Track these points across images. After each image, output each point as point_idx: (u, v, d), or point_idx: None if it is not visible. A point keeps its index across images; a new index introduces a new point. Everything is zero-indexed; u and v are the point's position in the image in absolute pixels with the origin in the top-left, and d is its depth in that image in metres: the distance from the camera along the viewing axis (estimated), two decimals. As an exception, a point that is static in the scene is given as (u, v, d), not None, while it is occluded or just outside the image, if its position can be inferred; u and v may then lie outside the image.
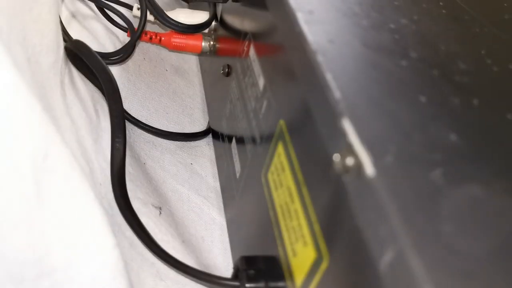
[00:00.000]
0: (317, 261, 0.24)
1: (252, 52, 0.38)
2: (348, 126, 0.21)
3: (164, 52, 0.59)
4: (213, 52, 0.54)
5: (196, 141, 0.52)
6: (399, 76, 0.26)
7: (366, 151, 0.20)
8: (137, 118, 0.48)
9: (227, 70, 0.46)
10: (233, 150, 0.42)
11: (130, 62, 0.53)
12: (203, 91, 0.59)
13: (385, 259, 0.17)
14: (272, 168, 0.31)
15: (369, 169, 0.19)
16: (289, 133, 0.29)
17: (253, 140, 0.36)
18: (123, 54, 0.47)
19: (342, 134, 0.21)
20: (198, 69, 0.62)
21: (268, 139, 0.33)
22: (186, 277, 0.36)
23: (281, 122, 0.30)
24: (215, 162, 0.51)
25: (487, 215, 0.19)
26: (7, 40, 0.30)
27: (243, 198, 0.38)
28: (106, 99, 0.41)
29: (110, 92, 0.39)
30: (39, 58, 0.36)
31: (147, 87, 0.53)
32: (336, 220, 0.23)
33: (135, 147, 0.47)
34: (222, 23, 0.51)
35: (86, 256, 0.29)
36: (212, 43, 0.54)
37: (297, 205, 0.27)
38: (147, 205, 0.39)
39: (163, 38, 0.54)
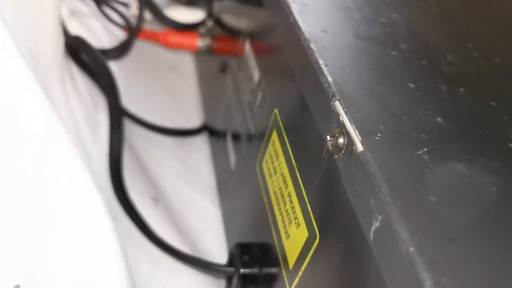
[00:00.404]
0: (309, 240, 0.25)
1: (247, 47, 0.39)
2: (339, 108, 0.22)
3: (160, 51, 0.60)
4: (209, 50, 0.55)
5: (192, 138, 0.53)
6: (389, 64, 0.27)
7: (357, 131, 0.21)
8: (134, 114, 0.49)
9: (223, 66, 0.47)
10: (228, 144, 0.43)
11: (127, 60, 0.54)
12: (197, 90, 0.60)
13: (373, 228, 0.18)
14: (267, 156, 0.32)
15: (360, 146, 0.20)
16: (283, 120, 0.30)
17: (248, 133, 0.37)
18: (121, 51, 0.48)
19: (334, 115, 0.22)
20: (193, 68, 0.63)
21: (262, 129, 0.34)
22: (183, 264, 0.37)
23: (275, 111, 0.31)
24: (210, 158, 0.51)
25: (470, 189, 0.20)
26: (11, 31, 0.31)
27: (238, 189, 0.39)
28: (104, 92, 0.42)
29: (108, 86, 0.40)
30: (41, 51, 0.37)
31: (143, 85, 0.54)
32: (327, 198, 0.24)
33: (132, 141, 0.48)
34: (218, 21, 0.53)
35: (85, 237, 0.30)
36: (208, 41, 0.55)
37: (291, 189, 0.28)
38: (144, 196, 0.40)
39: (160, 37, 0.55)
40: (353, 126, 0.21)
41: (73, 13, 0.52)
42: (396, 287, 0.17)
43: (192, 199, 0.46)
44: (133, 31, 0.50)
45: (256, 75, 0.36)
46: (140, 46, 0.58)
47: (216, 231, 0.44)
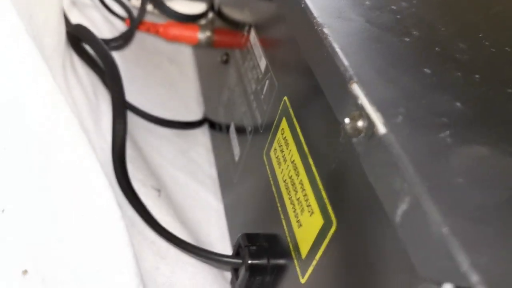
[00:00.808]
0: (324, 227, 0.25)
1: (253, 37, 0.39)
2: (358, 90, 0.22)
3: (160, 43, 0.60)
4: (210, 43, 0.55)
5: (192, 130, 0.52)
6: (403, 50, 0.27)
7: (377, 112, 0.20)
8: (134, 105, 0.49)
9: (225, 58, 0.47)
10: (231, 135, 0.43)
11: (127, 52, 0.53)
12: (197, 83, 0.59)
13: (400, 210, 0.18)
14: (275, 145, 0.32)
15: (382, 128, 0.20)
16: (293, 108, 0.30)
17: (254, 123, 0.37)
18: (123, 41, 0.48)
19: (352, 99, 0.22)
20: (193, 61, 0.62)
21: (270, 118, 0.33)
22: (187, 255, 0.36)
23: (285, 99, 0.31)
24: (210, 150, 0.51)
25: (495, 172, 0.19)
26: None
27: (242, 180, 0.39)
28: (108, 81, 0.41)
29: (112, 76, 0.39)
30: (43, 39, 0.36)
31: (144, 76, 0.53)
32: (343, 183, 0.23)
33: (133, 133, 0.47)
34: (220, 13, 0.52)
35: (93, 225, 0.29)
36: (209, 34, 0.54)
37: (303, 176, 0.28)
38: (147, 186, 0.40)
39: (160, 29, 0.55)
40: (373, 108, 0.21)
41: (74, 3, 0.51)
42: (426, 270, 0.16)
43: (193, 191, 0.45)
44: (135, 22, 0.50)
45: (262, 64, 0.36)
46: (139, 37, 0.57)
47: (218, 223, 0.43)
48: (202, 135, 0.53)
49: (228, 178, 0.43)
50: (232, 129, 0.42)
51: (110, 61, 0.40)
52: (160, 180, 0.43)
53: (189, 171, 0.47)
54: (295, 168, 0.29)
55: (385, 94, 0.22)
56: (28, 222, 0.26)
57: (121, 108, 0.38)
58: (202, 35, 0.55)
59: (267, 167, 0.33)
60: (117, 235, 0.29)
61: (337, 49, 0.24)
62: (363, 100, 0.21)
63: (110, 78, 0.40)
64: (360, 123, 0.21)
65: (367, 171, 0.20)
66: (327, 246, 0.24)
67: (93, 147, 0.37)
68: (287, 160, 0.30)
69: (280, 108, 0.32)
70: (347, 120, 0.22)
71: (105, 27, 0.52)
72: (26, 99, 0.27)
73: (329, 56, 0.24)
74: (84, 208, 0.29)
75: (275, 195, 0.31)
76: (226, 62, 0.47)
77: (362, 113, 0.21)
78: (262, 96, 0.35)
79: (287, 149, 0.30)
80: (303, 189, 0.28)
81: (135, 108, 0.48)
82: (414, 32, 0.29)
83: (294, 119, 0.29)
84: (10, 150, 0.27)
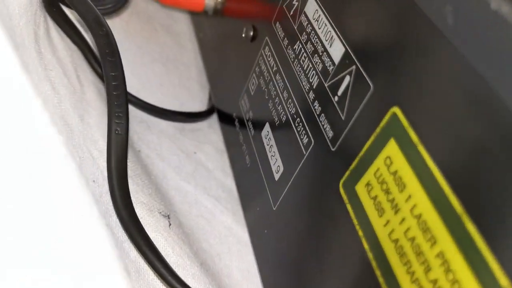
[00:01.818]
0: None
1: (312, 4, 0.27)
2: None
3: (152, 7, 0.48)
4: (220, 10, 0.43)
5: (198, 123, 0.41)
6: None
7: None
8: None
9: (251, 33, 0.35)
10: (265, 140, 0.32)
11: (116, 17, 0.41)
12: (198, 59, 0.47)
13: None
14: (370, 178, 0.21)
15: None
16: (415, 127, 0.19)
17: (316, 133, 0.26)
18: (115, 4, 0.35)
19: None
20: (191, 32, 0.50)
21: (354, 133, 0.23)
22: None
23: (395, 110, 0.20)
24: (221, 150, 0.40)
25: None
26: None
27: (289, 211, 0.28)
28: (102, 62, 0.29)
29: (107, 53, 0.27)
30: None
31: (137, 50, 0.41)
32: None
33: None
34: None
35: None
36: (220, -1, 0.43)
37: (445, 247, 0.17)
38: (154, 213, 0.28)
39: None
40: None
41: None
42: None
43: (206, 211, 0.34)
44: None
45: (336, 48, 0.25)
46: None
47: (239, 258, 0.32)
48: (209, 129, 0.41)
49: (259, 199, 0.32)
50: (266, 132, 0.31)
51: (105, 32, 0.28)
52: (165, 197, 0.32)
53: (198, 182, 0.35)
54: (424, 229, 0.18)
55: None
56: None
57: (120, 102, 0.27)
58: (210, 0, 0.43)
59: (349, 207, 0.22)
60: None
61: None
62: None
63: (104, 57, 0.28)
64: None
65: None
66: None
67: (81, 156, 0.26)
68: (402, 210, 0.19)
69: (383, 123, 0.21)
70: None
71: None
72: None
73: None
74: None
75: (372, 256, 0.21)
76: (253, 39, 0.35)
77: None
78: (336, 98, 0.24)
79: (400, 191, 0.19)
80: (445, 266, 0.17)
81: (129, 94, 0.36)
82: None
83: (419, 146, 0.18)
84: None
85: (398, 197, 0.19)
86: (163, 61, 0.43)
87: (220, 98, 0.41)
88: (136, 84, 0.39)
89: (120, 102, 0.27)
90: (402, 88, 0.20)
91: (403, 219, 0.19)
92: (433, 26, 0.18)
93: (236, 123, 0.37)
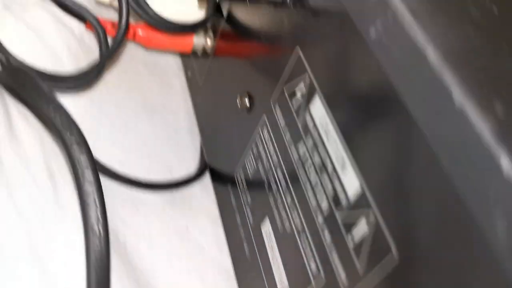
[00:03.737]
0: None
1: (318, 106, 0.23)
2: None
3: (137, 51, 0.43)
4: (211, 52, 0.38)
5: (190, 188, 0.37)
6: None
7: None
8: (107, 162, 0.32)
9: (247, 103, 0.31)
10: (266, 239, 0.28)
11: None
12: (187, 101, 0.43)
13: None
14: None
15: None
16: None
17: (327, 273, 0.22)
18: (88, 77, 0.31)
19: None
20: (179, 67, 0.46)
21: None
22: None
23: None
24: (215, 219, 0.36)
25: None
26: None
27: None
28: (68, 157, 0.25)
29: (75, 141, 0.23)
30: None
31: (116, 108, 0.37)
32: None
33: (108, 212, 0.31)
34: (231, 19, 0.35)
35: None
36: (210, 42, 0.38)
37: None
38: None
39: (139, 32, 0.38)
40: None
41: (6, 6, 0.33)
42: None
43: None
44: (120, 30, 0.33)
45: (352, 187, 0.20)
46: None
47: None
48: (202, 192, 0.37)
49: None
50: (269, 233, 0.27)
51: (68, 122, 0.23)
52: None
53: (193, 267, 0.32)
54: None
55: None
56: None
57: (95, 200, 0.23)
58: (198, 41, 0.39)
59: None
60: None
61: None
62: None
63: (71, 148, 0.23)
64: None
65: None
66: None
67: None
68: None
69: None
70: None
71: (57, 36, 0.35)
72: None
73: None
74: None
75: None
76: (249, 108, 0.31)
77: None
78: (353, 245, 0.20)
79: None
80: None
81: (109, 170, 0.32)
82: None
83: None
84: None
85: None
86: (148, 111, 0.39)
87: (213, 157, 0.37)
88: (117, 153, 0.34)
89: (94, 200, 0.23)
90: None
91: None
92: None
93: (230, 189, 0.33)
